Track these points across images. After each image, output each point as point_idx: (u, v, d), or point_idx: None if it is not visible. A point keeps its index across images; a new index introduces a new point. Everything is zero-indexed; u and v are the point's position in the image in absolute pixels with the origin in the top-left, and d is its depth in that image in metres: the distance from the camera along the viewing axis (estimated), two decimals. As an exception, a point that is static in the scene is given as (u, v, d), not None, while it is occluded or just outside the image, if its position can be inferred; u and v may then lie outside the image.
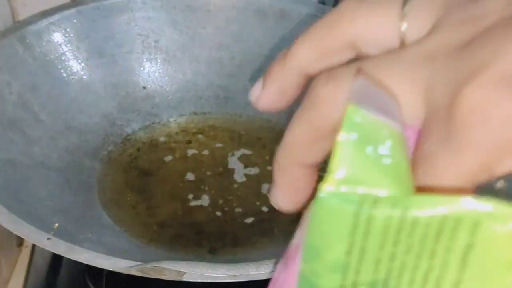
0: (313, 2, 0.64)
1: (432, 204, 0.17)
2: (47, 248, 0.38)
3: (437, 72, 0.18)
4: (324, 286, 0.19)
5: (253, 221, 0.52)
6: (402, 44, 0.20)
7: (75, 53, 0.58)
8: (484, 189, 0.18)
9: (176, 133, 0.60)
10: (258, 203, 0.54)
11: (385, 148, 0.18)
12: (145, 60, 0.61)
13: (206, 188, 0.55)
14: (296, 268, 0.20)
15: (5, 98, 0.51)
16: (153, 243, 0.49)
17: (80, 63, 0.58)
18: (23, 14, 0.61)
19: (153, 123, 0.60)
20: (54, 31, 0.57)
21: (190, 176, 0.56)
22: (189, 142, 0.59)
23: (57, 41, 0.57)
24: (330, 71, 0.21)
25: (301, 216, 0.25)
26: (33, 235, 0.39)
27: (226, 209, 0.53)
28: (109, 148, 0.57)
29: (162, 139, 0.59)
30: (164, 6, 0.61)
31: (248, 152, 0.58)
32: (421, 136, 0.19)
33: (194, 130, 0.60)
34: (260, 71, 0.62)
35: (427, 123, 0.19)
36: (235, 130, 0.61)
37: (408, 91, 0.19)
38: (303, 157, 0.22)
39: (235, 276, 0.36)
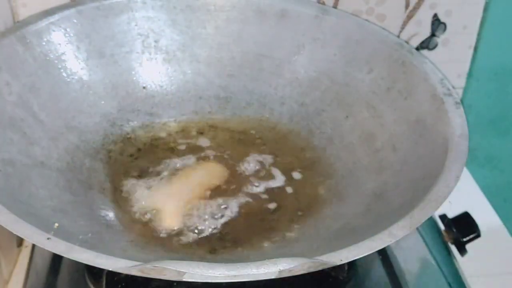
0: (313, 2, 0.64)
1: None
2: (47, 248, 0.38)
3: None
4: None
5: (253, 221, 0.52)
6: None
7: (75, 53, 0.58)
8: None
9: (176, 133, 0.60)
10: (258, 203, 0.54)
11: None
12: (145, 60, 0.61)
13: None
14: None
15: (5, 98, 0.51)
16: (153, 243, 0.49)
17: (80, 63, 0.58)
18: (23, 14, 0.61)
19: (153, 123, 0.60)
20: (54, 31, 0.57)
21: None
22: (189, 142, 0.59)
23: (57, 41, 0.57)
24: None
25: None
26: (33, 235, 0.39)
27: (226, 208, 0.53)
28: (109, 147, 0.57)
29: (162, 139, 0.59)
30: (164, 6, 0.61)
31: (248, 152, 0.58)
32: None
33: (194, 130, 0.60)
34: (260, 71, 0.62)
35: None
36: (235, 130, 0.61)
37: None
38: None
39: (235, 276, 0.36)
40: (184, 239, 0.50)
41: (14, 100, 0.52)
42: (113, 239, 0.48)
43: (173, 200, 0.53)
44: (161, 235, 0.50)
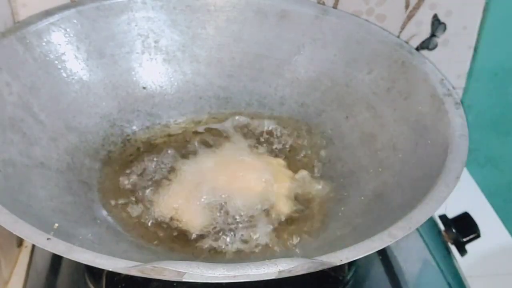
0: (313, 2, 0.64)
1: None
2: (47, 248, 0.38)
3: None
4: None
5: (253, 221, 0.52)
6: None
7: (75, 53, 0.58)
8: None
9: (176, 133, 0.60)
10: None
11: None
12: (145, 60, 0.61)
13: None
14: None
15: (5, 98, 0.51)
16: (153, 243, 0.49)
17: (80, 63, 0.58)
18: (23, 14, 0.61)
19: (153, 123, 0.60)
20: (54, 31, 0.57)
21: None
22: (189, 142, 0.59)
23: (57, 41, 0.57)
24: None
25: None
26: (33, 235, 0.39)
27: (226, 208, 0.53)
28: (109, 148, 0.57)
29: (162, 139, 0.59)
30: (164, 6, 0.61)
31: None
32: None
33: (194, 130, 0.60)
34: (260, 71, 0.62)
35: None
36: (235, 130, 0.60)
37: None
38: None
39: (235, 276, 0.36)
40: (184, 238, 0.50)
41: (14, 100, 0.52)
42: (113, 239, 0.48)
43: (174, 200, 0.53)
44: (161, 235, 0.50)
